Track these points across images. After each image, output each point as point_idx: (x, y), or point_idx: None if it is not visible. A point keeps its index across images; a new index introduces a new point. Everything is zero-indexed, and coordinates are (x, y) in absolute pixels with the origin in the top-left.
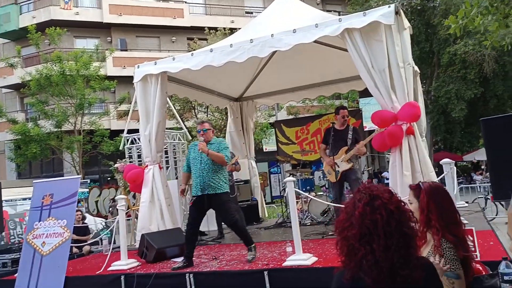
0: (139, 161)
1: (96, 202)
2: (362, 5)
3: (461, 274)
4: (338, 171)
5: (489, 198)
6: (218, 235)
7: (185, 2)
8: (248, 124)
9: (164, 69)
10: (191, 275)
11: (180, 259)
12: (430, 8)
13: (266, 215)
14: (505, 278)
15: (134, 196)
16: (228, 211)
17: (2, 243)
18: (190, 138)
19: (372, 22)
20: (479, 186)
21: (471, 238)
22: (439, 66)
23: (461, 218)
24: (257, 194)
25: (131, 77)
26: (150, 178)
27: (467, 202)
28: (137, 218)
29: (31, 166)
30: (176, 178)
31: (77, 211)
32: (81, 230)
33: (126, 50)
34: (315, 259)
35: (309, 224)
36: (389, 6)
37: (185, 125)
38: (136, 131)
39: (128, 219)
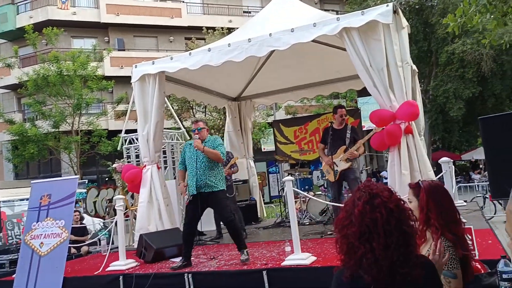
0: (137, 161)
1: (94, 202)
2: (360, 4)
3: (458, 274)
4: (337, 170)
5: (487, 197)
6: (216, 235)
7: (183, 2)
8: (246, 124)
9: (162, 68)
10: (190, 275)
11: (178, 259)
12: (428, 7)
13: (265, 215)
14: (504, 276)
15: (132, 196)
16: (225, 209)
17: (0, 243)
18: (189, 138)
19: (370, 21)
20: (478, 185)
21: (470, 237)
22: (437, 65)
23: (460, 217)
24: (256, 194)
25: (129, 77)
26: (148, 178)
27: (465, 201)
28: (135, 219)
29: (29, 166)
30: (175, 178)
31: (75, 211)
32: (79, 231)
33: (123, 50)
34: (314, 258)
35: (307, 223)
36: (387, 5)
37: (183, 125)
38: (134, 131)
39: (126, 220)
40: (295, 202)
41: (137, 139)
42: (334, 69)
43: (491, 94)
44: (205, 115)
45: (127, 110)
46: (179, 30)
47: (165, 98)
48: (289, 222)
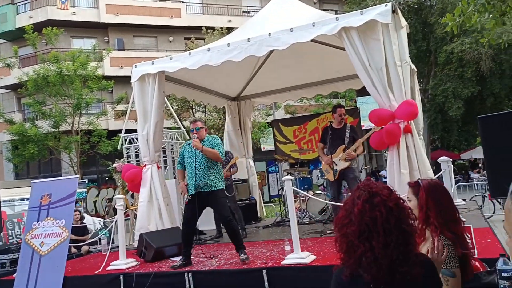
0: (137, 160)
1: (94, 202)
2: (359, 4)
3: (456, 273)
4: (336, 169)
5: (486, 196)
6: (216, 234)
7: (182, 2)
8: (246, 123)
9: (161, 68)
10: (190, 274)
11: (178, 258)
12: (427, 6)
13: (265, 214)
14: (503, 274)
15: (132, 196)
16: (224, 208)
17: (1, 243)
18: (188, 137)
19: (369, 21)
20: (477, 184)
21: (469, 236)
22: (436, 65)
23: (459, 215)
24: (255, 193)
25: (129, 77)
26: (148, 178)
27: (464, 200)
28: (135, 218)
29: (29, 166)
30: (175, 178)
31: (75, 211)
32: (80, 230)
33: (123, 50)
34: (313, 257)
35: (307, 222)
36: (386, 5)
37: (182, 125)
38: (134, 130)
39: (127, 219)
40: (295, 201)
41: (137, 138)
42: (333, 68)
43: (490, 93)
44: (204, 115)
45: (127, 110)
46: (178, 30)
47: (165, 98)
48: (288, 221)
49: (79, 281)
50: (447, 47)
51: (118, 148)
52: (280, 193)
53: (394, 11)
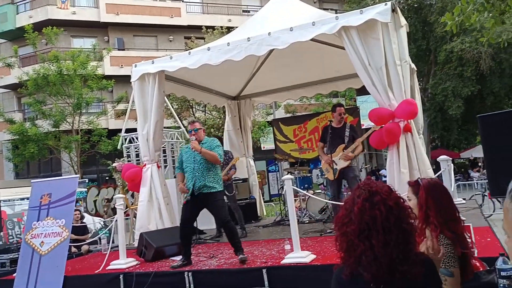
0: (137, 160)
1: (95, 201)
2: (358, 3)
3: (455, 272)
4: (336, 169)
5: (486, 195)
6: (216, 233)
7: (182, 1)
8: (246, 123)
9: (161, 68)
10: (190, 273)
11: (178, 258)
12: (427, 5)
13: (265, 213)
14: (502, 273)
15: (132, 195)
16: (222, 210)
17: (1, 243)
18: (188, 137)
19: (369, 20)
20: (476, 183)
21: (469, 235)
22: (436, 64)
23: (459, 214)
24: (255, 193)
25: (129, 76)
26: (148, 177)
27: (464, 199)
28: (135, 217)
29: (29, 166)
30: (175, 177)
31: (75, 210)
32: (80, 230)
33: (123, 50)
34: (313, 256)
35: (307, 222)
36: (386, 4)
37: (182, 124)
38: (134, 130)
39: (127, 218)
40: (295, 200)
41: (137, 138)
42: (333, 68)
43: (489, 92)
44: (204, 114)
45: (127, 109)
46: (178, 29)
47: (165, 97)
48: (288, 220)
49: (79, 281)
50: (446, 46)
51: (118, 147)
52: (280, 192)
53: (393, 10)
